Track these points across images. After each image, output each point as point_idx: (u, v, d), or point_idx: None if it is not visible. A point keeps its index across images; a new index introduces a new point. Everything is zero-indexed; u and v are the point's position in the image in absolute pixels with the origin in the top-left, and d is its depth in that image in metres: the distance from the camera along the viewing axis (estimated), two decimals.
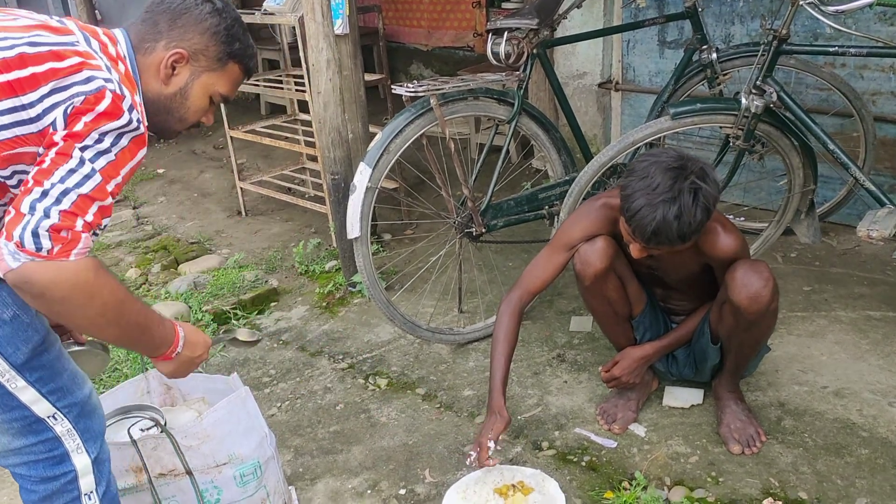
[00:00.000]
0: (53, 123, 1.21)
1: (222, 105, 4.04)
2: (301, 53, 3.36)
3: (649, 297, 2.30)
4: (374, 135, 2.60)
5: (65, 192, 1.18)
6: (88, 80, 1.23)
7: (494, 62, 2.80)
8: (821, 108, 3.20)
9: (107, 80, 1.24)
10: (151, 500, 1.88)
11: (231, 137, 4.23)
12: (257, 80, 4.41)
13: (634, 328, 2.30)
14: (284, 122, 4.53)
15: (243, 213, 4.39)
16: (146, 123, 1.38)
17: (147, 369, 2.19)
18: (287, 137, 4.19)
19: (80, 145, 1.21)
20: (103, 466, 1.51)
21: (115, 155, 1.24)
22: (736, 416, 2.21)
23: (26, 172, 1.25)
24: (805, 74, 3.11)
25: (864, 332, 2.64)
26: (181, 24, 1.41)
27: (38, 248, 1.16)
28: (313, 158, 4.28)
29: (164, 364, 1.50)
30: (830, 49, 2.56)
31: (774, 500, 1.99)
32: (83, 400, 1.46)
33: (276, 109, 5.94)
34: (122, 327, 1.33)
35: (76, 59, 1.25)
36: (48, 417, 1.39)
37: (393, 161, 2.57)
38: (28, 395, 1.36)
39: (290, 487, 2.17)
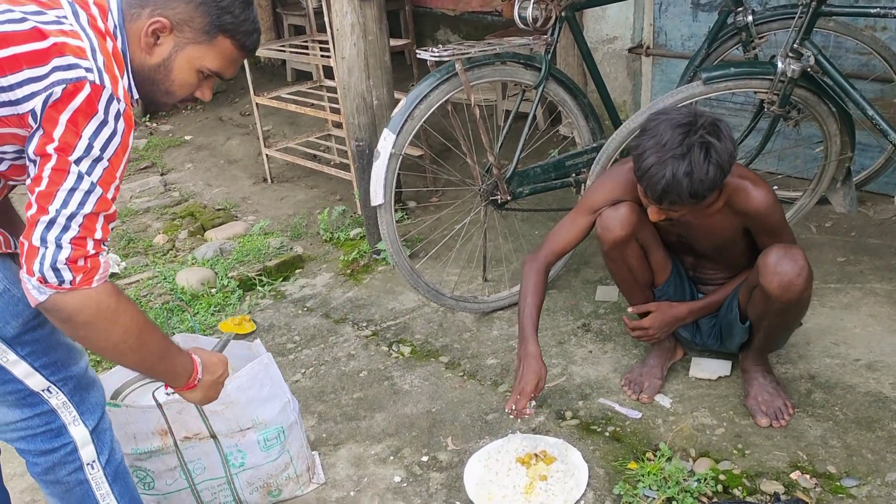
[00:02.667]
0: (33, 112, 1.17)
1: (248, 71, 4.10)
2: (326, 18, 3.32)
3: (675, 267, 2.26)
4: (399, 101, 2.57)
5: (71, 217, 1.18)
6: (69, 66, 1.17)
7: (521, 26, 2.73)
8: (860, 73, 3.09)
9: (88, 70, 1.19)
10: (177, 462, 1.91)
11: (257, 104, 4.22)
12: (283, 46, 4.39)
13: (657, 297, 2.27)
14: (310, 88, 4.50)
15: (269, 180, 4.39)
16: (134, 98, 1.34)
17: (173, 334, 2.21)
18: (313, 104, 4.17)
19: (74, 158, 1.18)
20: (104, 436, 1.51)
21: (109, 161, 1.22)
22: (763, 389, 2.17)
23: (9, 154, 1.26)
24: (844, 38, 2.99)
25: None
26: None
27: (61, 282, 1.20)
28: (339, 125, 4.25)
29: (191, 393, 1.52)
30: (872, 11, 2.46)
31: (802, 473, 1.96)
32: (79, 374, 1.45)
33: (302, 76, 5.91)
34: (143, 353, 1.36)
35: (60, 39, 1.19)
36: (42, 391, 1.40)
37: (417, 127, 2.53)
38: (20, 369, 1.36)
39: (313, 453, 2.19)
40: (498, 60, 2.57)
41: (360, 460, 2.19)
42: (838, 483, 1.92)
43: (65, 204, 1.18)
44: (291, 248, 3.49)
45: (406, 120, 2.49)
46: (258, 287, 3.19)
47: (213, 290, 3.14)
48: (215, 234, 3.67)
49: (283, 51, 4.31)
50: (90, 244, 1.21)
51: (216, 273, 3.24)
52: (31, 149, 1.19)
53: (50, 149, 1.17)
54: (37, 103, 1.17)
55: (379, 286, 3.13)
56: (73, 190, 1.18)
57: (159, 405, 1.81)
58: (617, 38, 3.97)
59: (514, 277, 2.99)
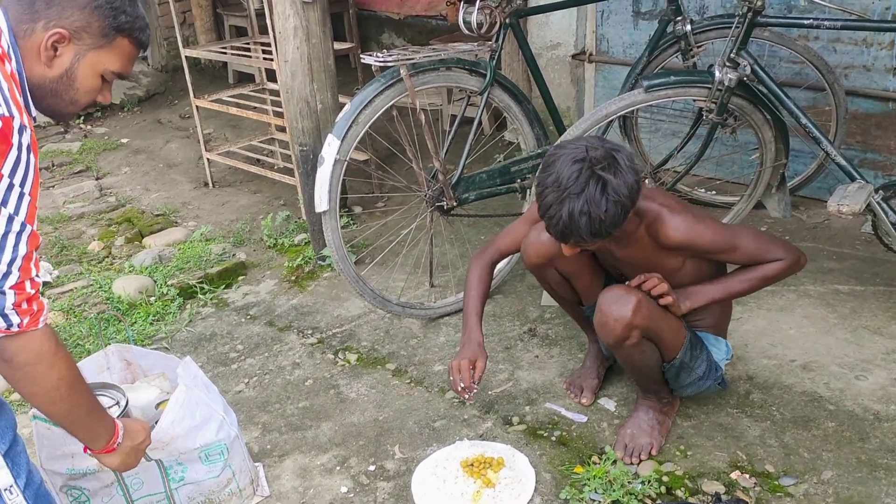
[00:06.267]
0: None
1: (187, 73, 4.01)
2: (268, 20, 3.26)
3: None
4: (343, 105, 2.54)
5: (11, 263, 1.18)
6: None
7: (466, 31, 2.74)
8: (793, 82, 3.19)
9: None
10: (113, 478, 1.84)
11: (197, 107, 4.12)
12: (223, 48, 4.30)
13: (586, 313, 2.26)
14: (252, 91, 4.43)
15: (210, 185, 4.29)
16: (32, 116, 1.30)
17: (108, 344, 2.14)
18: (255, 107, 4.11)
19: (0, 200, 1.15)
20: (19, 458, 1.43)
21: (30, 194, 1.19)
22: (638, 424, 2.12)
23: None
24: (778, 47, 3.10)
25: (832, 306, 2.66)
26: (58, 2, 1.29)
27: (10, 326, 1.20)
28: (282, 129, 4.19)
29: (109, 457, 1.51)
30: (805, 21, 2.54)
31: (742, 472, 2.01)
32: None
33: (245, 78, 5.81)
34: (72, 405, 1.35)
35: None
36: None
37: (362, 133, 2.51)
38: None
39: (257, 465, 2.14)
40: (443, 66, 2.57)
41: (305, 471, 2.15)
42: (776, 482, 1.97)
43: (1, 250, 1.16)
44: (234, 255, 3.42)
45: (351, 125, 2.46)
46: (199, 295, 3.11)
47: (152, 299, 3.05)
48: (154, 241, 3.57)
49: (225, 52, 4.22)
50: (28, 285, 1.21)
51: (155, 281, 3.15)
52: None
53: None
54: None
55: (324, 293, 3.08)
56: (6, 234, 1.16)
57: None
58: (560, 45, 4.02)
59: (461, 283, 2.99)
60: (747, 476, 1.99)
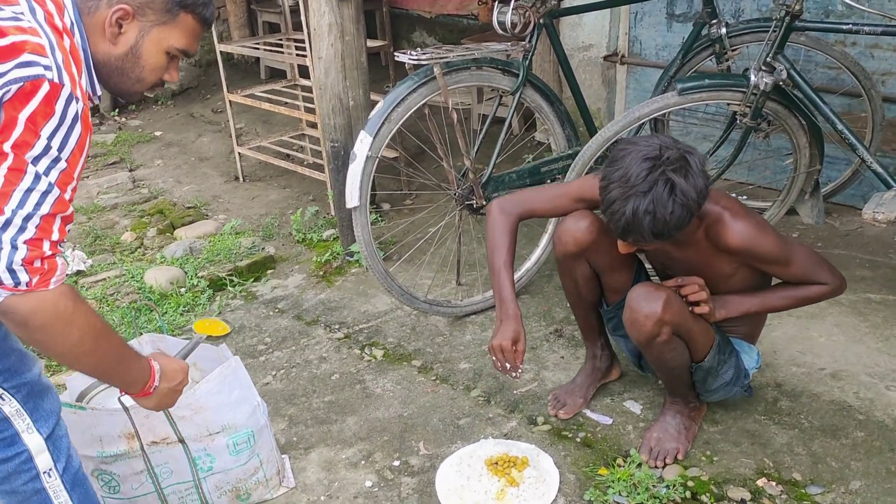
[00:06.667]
0: None
1: (222, 68, 4.05)
2: (302, 17, 3.29)
3: None
4: (374, 102, 2.56)
5: (27, 218, 1.16)
6: (27, 63, 1.15)
7: (500, 31, 2.74)
8: (829, 88, 3.15)
9: (47, 68, 1.16)
10: (143, 466, 1.88)
11: (230, 101, 4.17)
12: (257, 44, 4.34)
13: (604, 316, 2.22)
14: (284, 87, 4.46)
15: (241, 179, 4.34)
16: (96, 94, 1.32)
17: (141, 334, 2.18)
18: (286, 103, 4.13)
19: (31, 157, 1.15)
20: (60, 443, 1.46)
21: (67, 161, 1.19)
22: (664, 428, 2.11)
23: None
24: (815, 52, 3.06)
25: (863, 314, 2.63)
26: None
27: (17, 283, 1.17)
28: (313, 125, 4.23)
29: (145, 400, 1.50)
30: (843, 27, 2.51)
31: (768, 480, 1.99)
32: (32, 380, 1.41)
33: (276, 74, 5.86)
34: (100, 357, 1.33)
35: (19, 38, 1.16)
36: None
37: (394, 130, 2.52)
38: None
39: (283, 456, 2.17)
40: (476, 65, 2.57)
41: (330, 464, 2.18)
42: (803, 490, 1.95)
43: (21, 204, 1.15)
44: (263, 249, 3.45)
45: (383, 122, 2.48)
46: (229, 287, 3.15)
47: (183, 290, 3.09)
48: (185, 233, 3.62)
49: (258, 48, 4.27)
50: (46, 245, 1.19)
51: (186, 272, 3.19)
52: None
53: (7, 147, 1.14)
54: None
55: (351, 288, 3.11)
56: (29, 190, 1.15)
57: (126, 409, 1.77)
58: (592, 46, 4.01)
59: (487, 282, 2.98)
60: (774, 483, 1.98)
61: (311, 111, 3.97)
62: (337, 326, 2.85)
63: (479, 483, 2.00)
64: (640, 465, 2.05)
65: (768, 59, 2.42)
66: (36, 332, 1.23)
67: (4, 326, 1.36)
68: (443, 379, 2.51)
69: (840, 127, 2.44)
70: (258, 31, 6.13)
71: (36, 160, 1.16)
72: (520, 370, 1.97)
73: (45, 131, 1.16)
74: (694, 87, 2.41)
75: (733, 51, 2.87)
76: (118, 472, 1.89)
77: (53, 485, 1.45)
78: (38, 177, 1.16)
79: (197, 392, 1.81)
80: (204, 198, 4.15)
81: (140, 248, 3.57)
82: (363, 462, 2.17)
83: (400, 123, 2.52)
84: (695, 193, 1.68)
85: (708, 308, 1.90)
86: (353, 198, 2.51)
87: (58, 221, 1.20)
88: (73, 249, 3.40)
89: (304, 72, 4.04)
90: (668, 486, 1.98)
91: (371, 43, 3.77)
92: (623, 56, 3.94)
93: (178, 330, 2.86)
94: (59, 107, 1.17)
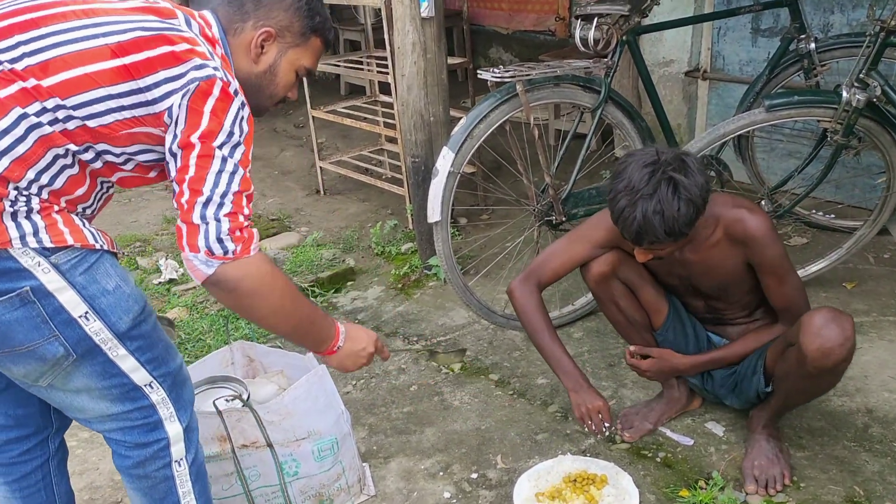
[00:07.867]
0: (170, 110, 1.30)
1: (306, 84, 4.19)
2: (385, 35, 3.38)
3: (675, 311, 2.18)
4: (454, 118, 2.60)
5: (224, 195, 1.31)
6: (200, 66, 1.31)
7: (582, 48, 2.76)
8: None
9: (215, 68, 1.32)
10: (233, 468, 1.95)
11: (313, 117, 4.30)
12: (338, 61, 4.47)
13: (658, 342, 2.21)
14: (364, 103, 4.57)
15: (322, 192, 4.47)
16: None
17: (230, 341, 2.27)
18: (367, 118, 4.24)
19: (217, 143, 1.30)
20: (193, 434, 1.56)
21: (244, 143, 1.34)
22: (763, 453, 2.06)
23: (141, 154, 1.37)
24: None
25: None
26: (266, 4, 1.48)
27: (226, 252, 1.32)
28: (392, 140, 4.31)
29: (329, 358, 1.65)
30: None
31: None
32: (175, 370, 1.51)
33: (356, 90, 6.01)
34: (298, 319, 1.49)
35: (186, 46, 1.32)
36: (145, 385, 1.44)
37: (476, 146, 2.57)
38: (128, 363, 1.41)
39: (364, 464, 2.22)
40: (557, 82, 2.59)
41: (409, 474, 2.21)
42: None
43: (216, 184, 1.31)
44: (344, 261, 3.54)
45: (465, 139, 2.52)
46: (311, 298, 3.24)
47: None
48: (269, 244, 3.74)
49: (339, 65, 4.39)
50: (241, 218, 1.34)
51: None
52: (173, 143, 1.31)
53: (194, 138, 1.29)
54: (175, 100, 1.29)
55: (429, 301, 3.16)
56: (220, 172, 1.31)
57: (219, 412, 1.86)
58: (673, 62, 3.97)
59: (564, 298, 2.99)
60: None
61: (390, 126, 4.06)
62: (415, 338, 2.90)
63: (558, 500, 2.00)
64: (722, 488, 2.01)
65: (861, 76, 2.36)
66: (245, 297, 1.37)
67: (154, 316, 1.48)
68: (520, 393, 2.52)
69: None
70: (340, 49, 6.30)
71: (221, 146, 1.32)
72: (607, 427, 2.12)
73: (227, 119, 1.32)
74: (783, 104, 2.37)
75: (823, 66, 2.80)
76: (210, 473, 1.96)
77: (181, 474, 1.54)
78: (224, 160, 1.32)
79: (285, 398, 1.88)
80: (287, 210, 4.28)
81: None
82: (441, 473, 2.20)
83: (482, 140, 2.56)
84: (697, 189, 1.76)
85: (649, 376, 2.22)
86: (434, 213, 2.56)
87: (245, 198, 1.35)
88: (166, 258, 3.57)
89: (384, 88, 4.14)
90: None
91: (451, 60, 3.83)
92: (705, 71, 3.89)
93: (262, 338, 2.96)
94: (231, 99, 1.33)
